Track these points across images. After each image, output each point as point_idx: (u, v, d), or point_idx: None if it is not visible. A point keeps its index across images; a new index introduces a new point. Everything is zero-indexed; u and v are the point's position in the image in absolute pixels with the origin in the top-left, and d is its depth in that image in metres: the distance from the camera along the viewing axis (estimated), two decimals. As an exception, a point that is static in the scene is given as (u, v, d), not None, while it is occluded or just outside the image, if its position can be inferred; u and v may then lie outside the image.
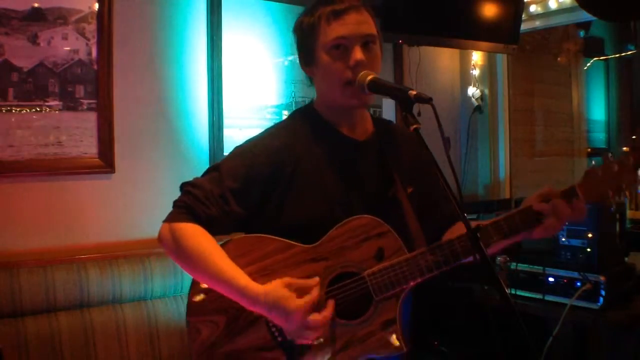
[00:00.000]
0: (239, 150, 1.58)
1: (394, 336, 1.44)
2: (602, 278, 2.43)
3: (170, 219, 1.48)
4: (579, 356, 2.58)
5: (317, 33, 1.51)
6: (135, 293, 2.44)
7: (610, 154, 1.52)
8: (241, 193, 1.49)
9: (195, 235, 1.45)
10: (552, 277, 2.59)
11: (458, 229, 1.64)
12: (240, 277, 1.40)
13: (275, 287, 1.37)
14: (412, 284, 1.46)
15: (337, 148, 1.57)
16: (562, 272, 2.56)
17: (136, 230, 2.63)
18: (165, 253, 1.51)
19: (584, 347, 2.55)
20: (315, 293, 1.38)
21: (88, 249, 2.50)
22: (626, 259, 2.66)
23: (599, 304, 2.43)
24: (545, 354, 2.46)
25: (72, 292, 2.31)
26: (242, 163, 1.52)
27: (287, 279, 1.39)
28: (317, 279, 1.41)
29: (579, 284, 2.48)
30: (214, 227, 1.47)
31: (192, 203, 1.46)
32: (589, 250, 2.51)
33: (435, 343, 2.72)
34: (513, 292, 2.68)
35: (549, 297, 2.57)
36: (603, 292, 2.43)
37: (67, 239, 2.50)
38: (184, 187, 1.52)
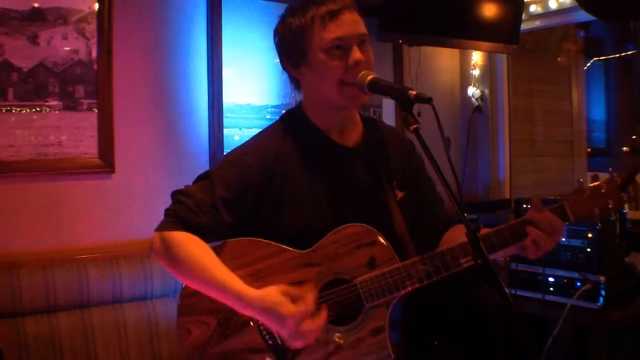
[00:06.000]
0: (230, 157, 1.57)
1: (382, 343, 1.46)
2: (602, 278, 2.43)
3: (161, 228, 1.47)
4: (579, 356, 2.58)
5: (311, 34, 1.49)
6: (135, 293, 2.44)
7: (598, 175, 1.57)
8: (232, 202, 1.48)
9: (187, 242, 1.44)
10: (552, 277, 2.59)
11: (455, 232, 1.65)
12: (234, 281, 1.40)
13: (271, 293, 1.38)
14: (402, 292, 1.47)
15: (327, 155, 1.57)
16: (562, 272, 2.56)
17: (136, 230, 2.63)
18: (157, 260, 1.51)
19: (584, 347, 2.55)
20: (310, 302, 1.38)
21: (88, 249, 2.50)
22: (626, 259, 2.66)
23: (599, 304, 2.43)
24: (545, 354, 2.46)
25: (72, 292, 2.31)
26: (234, 171, 1.51)
27: (283, 286, 1.39)
28: (313, 290, 1.41)
29: (579, 284, 2.49)
30: (205, 236, 1.46)
31: (183, 212, 1.45)
32: (589, 250, 2.51)
33: (435, 343, 2.72)
34: (513, 292, 2.68)
35: (549, 297, 2.57)
36: (603, 292, 2.43)
37: (67, 239, 2.50)
38: (175, 195, 1.51)
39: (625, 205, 1.57)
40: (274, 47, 1.61)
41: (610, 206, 1.53)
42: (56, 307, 2.28)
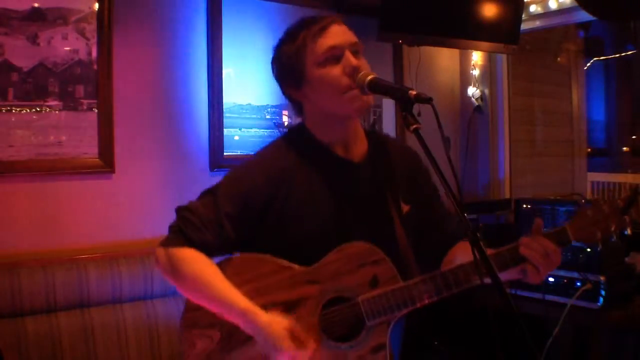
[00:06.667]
0: (235, 174, 1.58)
1: None
2: (602, 278, 2.43)
3: (166, 243, 1.49)
4: (579, 356, 2.58)
5: (305, 53, 1.52)
6: (135, 293, 2.44)
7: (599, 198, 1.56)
8: (237, 218, 1.50)
9: (193, 259, 1.46)
10: (552, 277, 2.59)
11: (460, 248, 1.65)
12: (240, 299, 1.42)
13: (278, 323, 1.39)
14: (403, 311, 1.48)
15: (331, 171, 1.57)
16: (562, 272, 2.56)
17: (136, 230, 2.63)
18: (163, 276, 1.53)
19: (584, 347, 2.55)
20: (308, 353, 1.39)
21: (88, 249, 2.50)
22: (626, 259, 2.66)
23: (599, 304, 2.43)
24: (545, 354, 2.46)
25: (72, 292, 2.31)
26: (239, 187, 1.53)
27: (292, 324, 1.40)
28: (315, 341, 1.42)
29: (579, 284, 2.49)
30: (210, 252, 1.49)
31: (187, 228, 1.47)
32: (589, 250, 2.51)
33: (436, 343, 2.72)
34: (513, 292, 2.68)
35: (549, 297, 2.57)
36: (603, 292, 2.43)
37: (67, 239, 2.50)
38: (180, 211, 1.53)
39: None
40: (274, 77, 1.65)
41: (612, 229, 1.53)
42: (56, 307, 2.28)
